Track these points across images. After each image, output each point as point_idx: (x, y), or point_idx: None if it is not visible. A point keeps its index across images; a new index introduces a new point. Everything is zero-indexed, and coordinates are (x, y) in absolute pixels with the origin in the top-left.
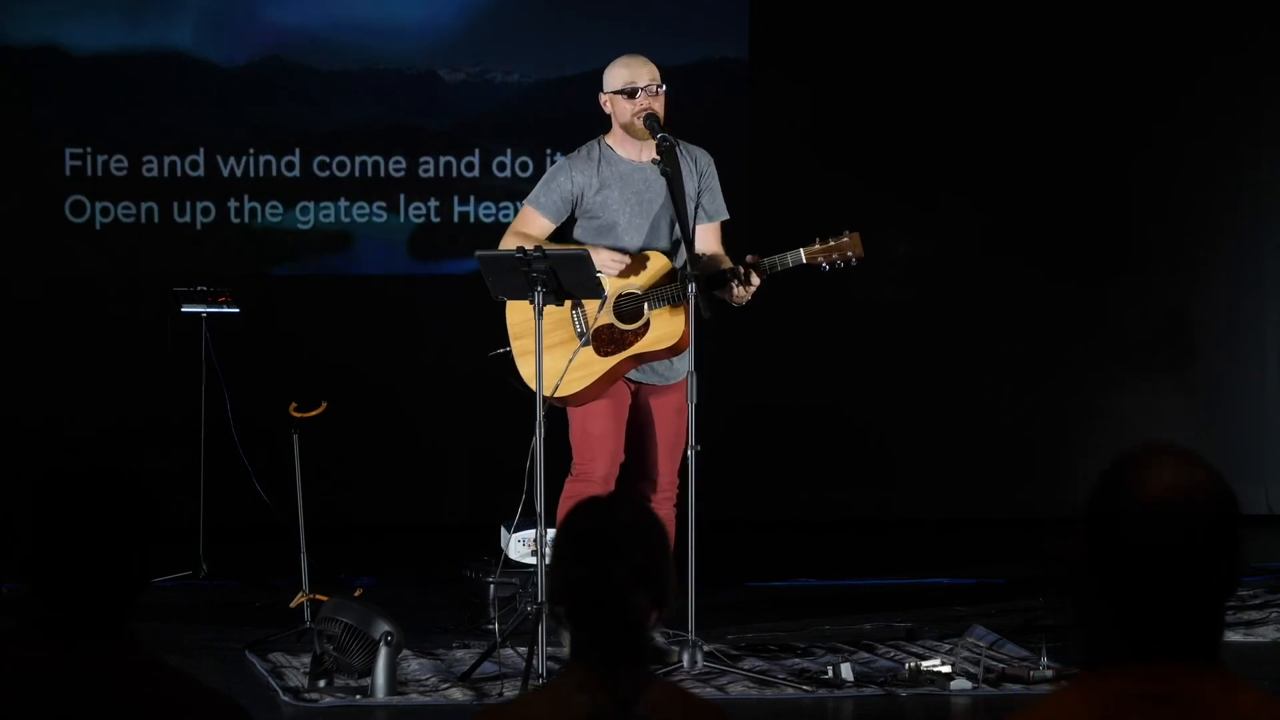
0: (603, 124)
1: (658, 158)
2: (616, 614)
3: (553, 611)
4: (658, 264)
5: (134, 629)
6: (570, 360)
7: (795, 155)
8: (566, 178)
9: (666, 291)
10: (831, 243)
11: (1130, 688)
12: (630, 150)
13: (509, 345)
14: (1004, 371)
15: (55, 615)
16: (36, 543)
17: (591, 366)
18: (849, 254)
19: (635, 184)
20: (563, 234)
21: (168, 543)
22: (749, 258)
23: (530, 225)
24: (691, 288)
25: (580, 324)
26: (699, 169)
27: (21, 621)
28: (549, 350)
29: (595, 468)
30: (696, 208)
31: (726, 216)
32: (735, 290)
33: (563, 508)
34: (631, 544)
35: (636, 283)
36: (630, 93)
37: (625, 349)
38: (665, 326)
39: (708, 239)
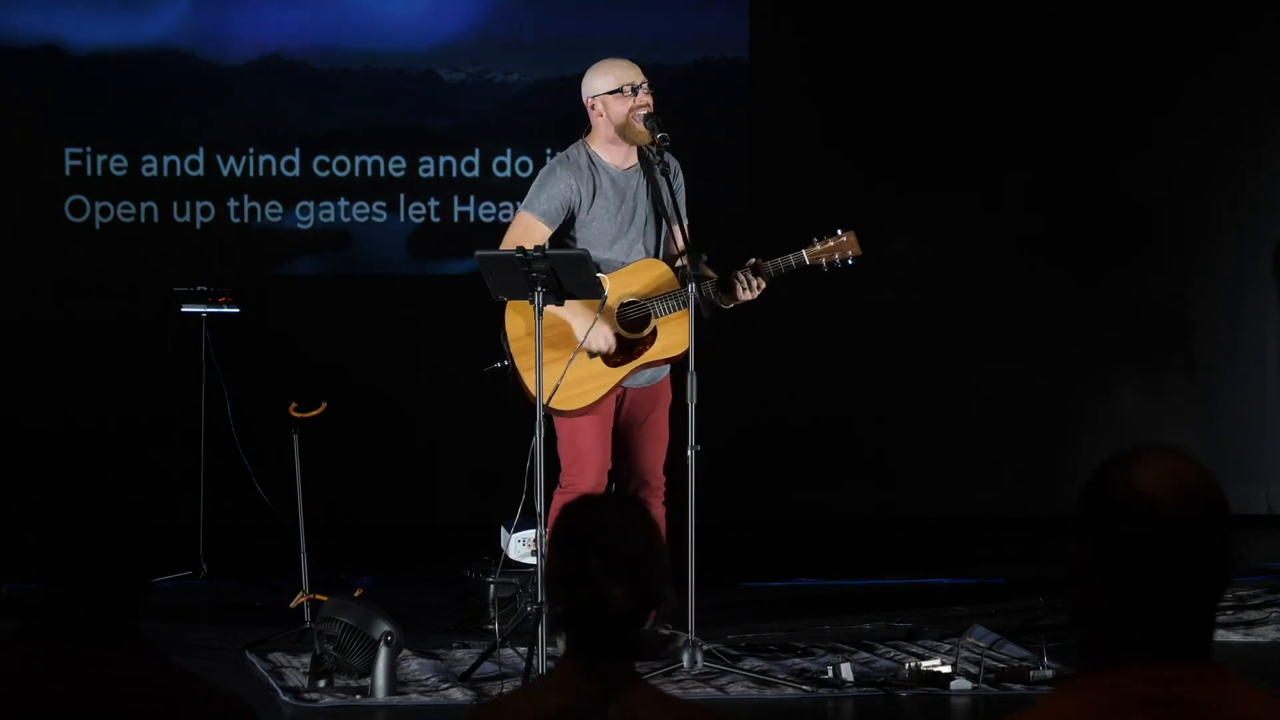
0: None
1: (654, 145)
2: (592, 607)
3: (551, 610)
4: (657, 270)
5: (138, 630)
6: (568, 364)
7: (795, 155)
8: (566, 185)
9: (671, 298)
10: (830, 242)
11: (1130, 690)
12: (615, 156)
13: (504, 359)
14: (1004, 372)
15: (61, 616)
16: (36, 546)
17: (603, 378)
18: (848, 253)
19: (621, 192)
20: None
21: (168, 543)
22: (753, 261)
23: (534, 235)
24: (691, 288)
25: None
26: (673, 170)
27: (29, 622)
28: (556, 363)
29: (583, 480)
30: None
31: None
32: (741, 295)
33: (553, 519)
34: (610, 538)
35: (637, 290)
36: (629, 90)
37: (634, 359)
38: (673, 335)
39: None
